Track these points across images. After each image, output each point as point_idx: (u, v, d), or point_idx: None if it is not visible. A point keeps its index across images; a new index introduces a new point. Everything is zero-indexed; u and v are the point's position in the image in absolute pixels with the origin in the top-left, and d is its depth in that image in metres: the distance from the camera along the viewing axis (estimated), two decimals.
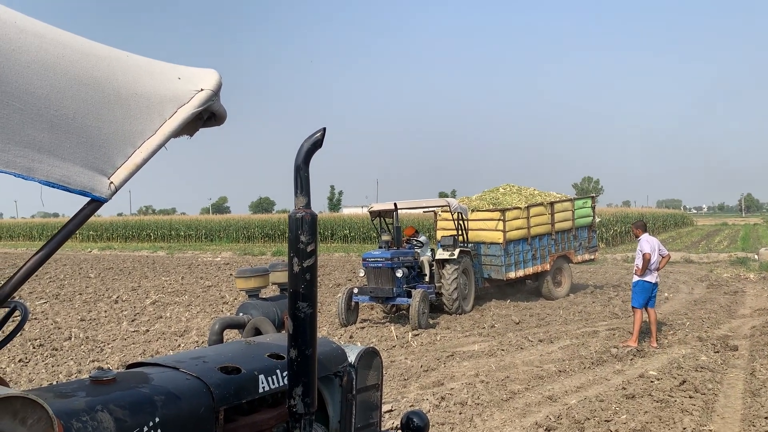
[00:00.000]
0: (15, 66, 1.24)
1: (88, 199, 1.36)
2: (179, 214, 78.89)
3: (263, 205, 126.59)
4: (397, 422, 5.68)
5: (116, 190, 1.38)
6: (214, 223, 48.06)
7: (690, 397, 6.31)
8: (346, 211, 67.39)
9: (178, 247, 39.23)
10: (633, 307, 9.16)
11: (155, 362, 2.48)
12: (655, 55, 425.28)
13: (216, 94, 1.61)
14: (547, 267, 14.20)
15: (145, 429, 1.98)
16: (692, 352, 8.34)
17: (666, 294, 14.39)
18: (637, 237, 9.34)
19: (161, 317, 12.07)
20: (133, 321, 11.66)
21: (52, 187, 1.27)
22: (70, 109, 1.32)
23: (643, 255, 8.93)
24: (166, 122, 1.50)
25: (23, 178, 1.23)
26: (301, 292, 2.29)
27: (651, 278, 8.99)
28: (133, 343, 9.55)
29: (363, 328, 10.91)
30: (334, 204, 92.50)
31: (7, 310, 2.25)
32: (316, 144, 2.37)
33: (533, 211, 14.04)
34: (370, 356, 3.07)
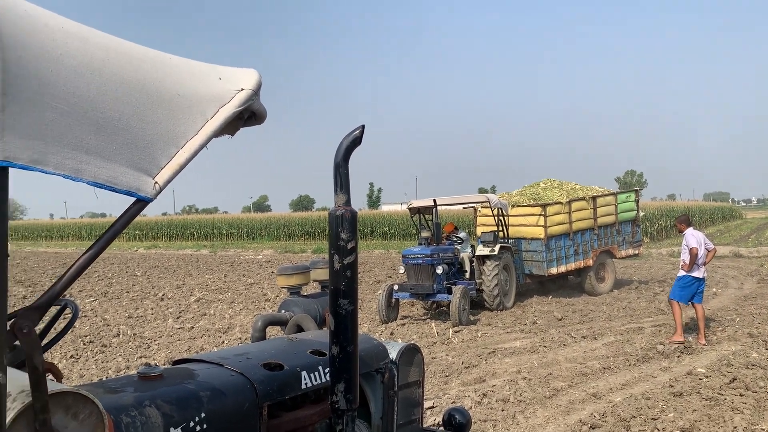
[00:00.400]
0: (62, 70, 1.27)
1: (134, 199, 1.39)
2: (221, 213, 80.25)
3: (303, 203, 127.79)
4: (439, 419, 5.68)
5: (161, 189, 1.40)
6: (255, 222, 48.70)
7: (741, 395, 6.12)
8: (385, 208, 67.48)
9: (221, 246, 39.92)
10: (669, 299, 8.98)
11: (200, 359, 2.53)
12: (703, 41, 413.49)
13: (256, 93, 1.63)
14: (590, 262, 13.96)
15: (191, 424, 2.02)
16: (742, 349, 8.09)
17: (714, 289, 13.99)
18: (681, 232, 9.10)
19: (205, 314, 12.31)
20: (178, 318, 11.91)
21: (99, 187, 1.30)
22: (116, 111, 1.35)
23: (690, 250, 8.70)
24: (208, 122, 1.52)
25: (72, 179, 1.26)
26: (342, 289, 2.31)
27: (698, 273, 8.76)
28: (179, 340, 9.76)
29: (403, 324, 10.92)
30: (374, 201, 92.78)
31: (58, 308, 2.32)
32: (355, 141, 2.38)
33: (575, 205, 13.82)
34: (412, 353, 3.07)
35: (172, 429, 1.95)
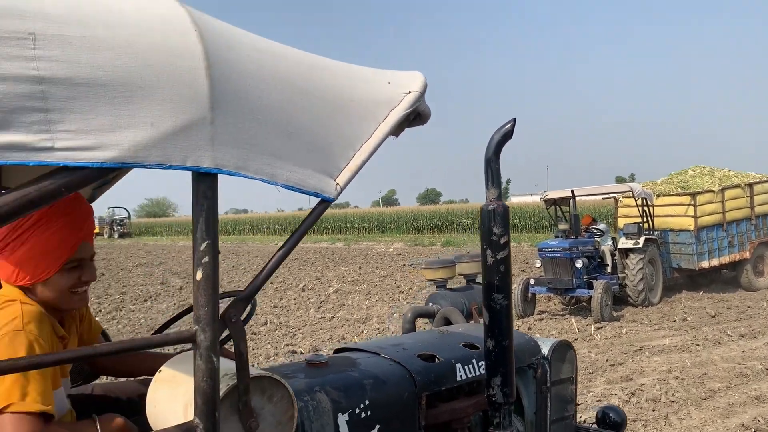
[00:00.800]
0: (258, 83, 1.40)
1: (318, 199, 1.49)
2: (353, 207, 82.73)
3: (430, 197, 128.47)
4: (586, 416, 5.53)
5: (341, 190, 1.50)
6: (385, 215, 49.69)
7: None
8: (514, 200, 66.20)
9: (354, 239, 41.14)
10: None
11: (359, 348, 2.65)
12: None
13: (422, 95, 1.68)
14: (747, 255, 12.87)
15: (357, 411, 2.12)
16: None
17: None
18: None
19: (344, 305, 12.77)
20: (319, 308, 12.46)
21: (291, 189, 1.41)
22: (301, 119, 1.47)
23: None
24: (380, 125, 1.60)
25: (268, 183, 1.38)
26: (495, 284, 2.32)
27: None
28: (321, 329, 10.22)
29: (541, 320, 10.68)
30: (502, 193, 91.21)
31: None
32: (506, 135, 2.37)
33: (729, 194, 12.78)
34: (564, 349, 3.02)
35: (340, 415, 2.07)
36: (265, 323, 11.02)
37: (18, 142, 1.07)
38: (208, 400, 1.29)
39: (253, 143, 1.35)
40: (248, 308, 1.70)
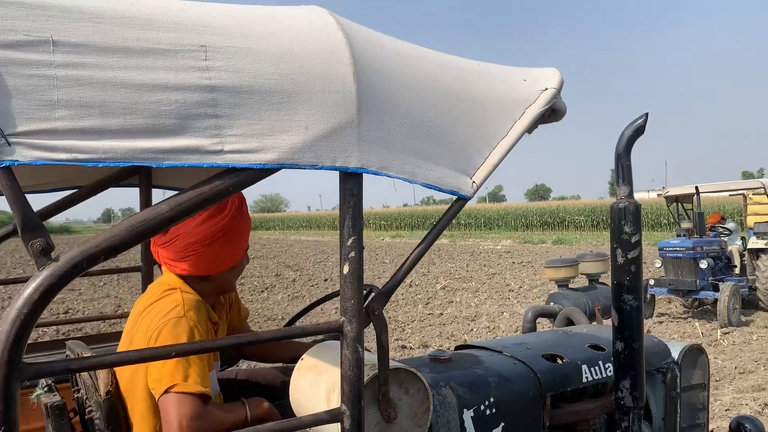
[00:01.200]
0: (399, 86, 1.45)
1: (455, 197, 1.52)
2: None
3: (539, 193, 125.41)
4: (713, 425, 5.22)
5: (477, 188, 1.52)
6: (492, 212, 49.06)
7: None
8: None
9: (459, 235, 40.95)
10: None
11: (482, 345, 2.66)
12: None
13: (559, 92, 1.67)
14: None
15: (482, 407, 2.14)
16: None
17: None
18: None
19: (452, 302, 12.77)
20: (427, 304, 12.53)
21: (429, 188, 1.45)
22: (440, 119, 1.50)
23: None
24: (516, 123, 1.61)
25: (409, 182, 1.43)
26: (626, 284, 2.26)
27: None
28: (430, 325, 10.28)
29: (661, 322, 10.16)
30: (614, 189, 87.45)
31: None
32: (638, 131, 2.30)
33: None
34: (696, 354, 2.89)
35: (465, 410, 2.09)
36: None
37: (193, 145, 1.18)
38: (354, 388, 1.36)
39: (395, 144, 1.40)
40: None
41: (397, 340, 9.32)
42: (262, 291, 14.49)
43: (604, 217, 39.07)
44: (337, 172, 1.34)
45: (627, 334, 2.28)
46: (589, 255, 3.67)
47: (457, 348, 2.79)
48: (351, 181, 1.35)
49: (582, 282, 3.82)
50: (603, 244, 26.44)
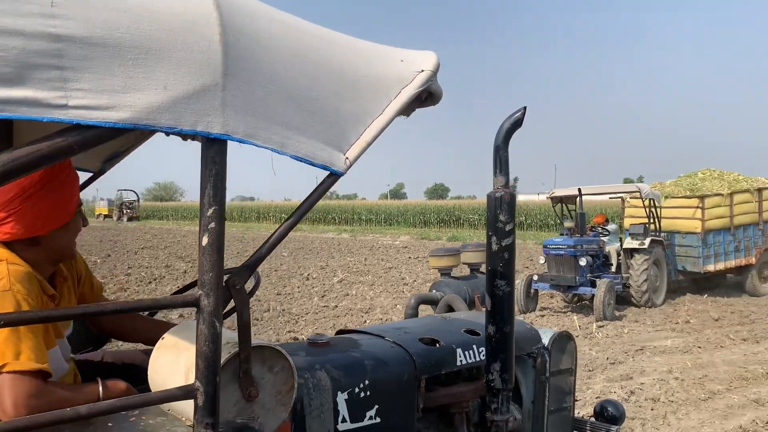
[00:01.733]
0: (271, 53, 1.40)
1: (327, 173, 1.50)
2: (360, 200, 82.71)
3: (438, 192, 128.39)
4: (584, 412, 5.54)
5: (350, 165, 1.51)
6: (392, 209, 49.69)
7: None
8: (521, 198, 66.02)
9: (360, 230, 41.16)
10: None
11: (362, 330, 2.67)
12: None
13: (435, 74, 1.69)
14: (753, 260, 12.83)
15: (357, 390, 2.14)
16: None
17: None
18: None
19: (348, 294, 12.80)
20: (323, 297, 12.50)
21: (300, 161, 1.42)
22: (314, 91, 1.47)
23: None
24: (391, 102, 1.61)
25: (277, 153, 1.39)
26: (499, 270, 2.33)
27: None
28: (324, 317, 10.25)
29: (543, 316, 10.69)
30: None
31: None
32: (516, 123, 2.38)
33: (737, 198, 12.72)
34: (564, 340, 3.02)
35: (339, 393, 2.08)
36: (268, 310, 11.06)
37: (32, 97, 1.08)
38: (209, 364, 1.31)
39: (264, 112, 1.36)
40: (252, 281, 1.71)
41: (289, 332, 9.22)
42: (150, 282, 13.88)
43: None
44: (199, 138, 1.28)
45: (499, 318, 2.35)
46: (470, 245, 3.78)
47: (338, 333, 2.78)
48: (214, 148, 1.29)
49: (464, 271, 3.92)
50: None
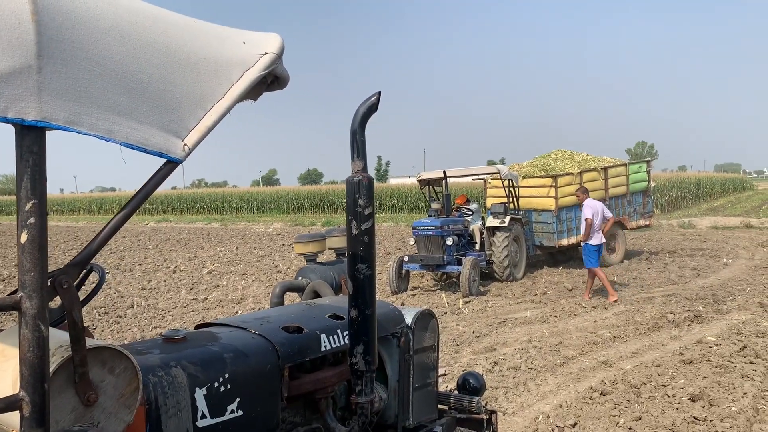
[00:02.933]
0: (94, 33, 1.30)
1: (164, 160, 1.42)
2: (231, 187, 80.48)
3: (312, 177, 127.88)
4: (452, 386, 5.77)
5: (189, 151, 1.43)
6: (265, 195, 48.86)
7: (751, 363, 6.17)
8: (393, 182, 67.44)
9: (231, 219, 40.11)
10: (589, 269, 10.02)
11: (222, 322, 2.59)
12: (712, 8, 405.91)
13: (279, 57, 1.65)
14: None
15: (216, 384, 2.07)
16: (753, 318, 8.12)
17: (725, 260, 13.98)
18: (580, 202, 10.22)
19: (218, 286, 12.44)
20: (191, 290, 12.05)
21: (131, 148, 1.33)
22: (145, 74, 1.38)
23: (585, 221, 9.78)
24: (233, 85, 1.54)
25: (105, 140, 1.29)
26: (360, 254, 2.35)
27: (596, 240, 9.85)
28: (193, 311, 9.89)
29: (414, 295, 11.01)
30: (382, 174, 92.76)
31: (84, 271, 2.37)
32: (371, 108, 2.39)
33: (586, 176, 13.78)
34: (427, 318, 3.11)
35: (197, 389, 2.01)
36: (132, 306, 10.50)
37: None
38: (35, 371, 1.20)
39: (88, 97, 1.26)
40: (96, 276, 1.59)
41: (156, 328, 8.82)
42: None
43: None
44: (12, 125, 1.16)
45: (360, 301, 2.37)
46: (336, 230, 3.78)
47: (198, 327, 2.68)
48: (30, 136, 1.18)
49: (331, 256, 3.92)
50: None
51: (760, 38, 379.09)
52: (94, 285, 2.18)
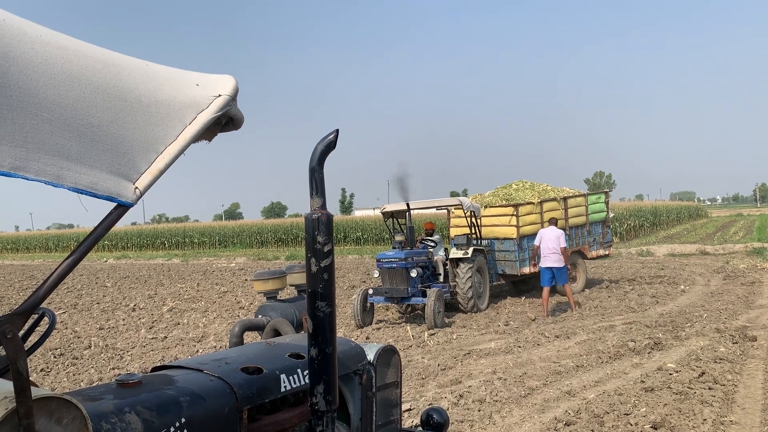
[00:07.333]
0: (42, 78, 1.29)
1: (115, 204, 1.40)
2: (192, 222, 79.36)
3: (275, 210, 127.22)
4: (417, 420, 5.72)
5: (141, 195, 1.42)
6: (227, 230, 48.35)
7: (710, 389, 6.29)
8: (358, 213, 67.56)
9: (193, 254, 39.46)
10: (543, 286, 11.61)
11: (179, 365, 2.53)
12: (667, 41, 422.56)
13: (233, 99, 1.65)
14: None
15: (172, 429, 2.02)
16: (710, 344, 8.29)
17: (682, 286, 14.31)
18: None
19: (179, 324, 12.18)
20: (151, 328, 11.76)
21: (80, 193, 1.31)
22: (95, 118, 1.37)
23: (534, 248, 11.68)
24: (186, 128, 1.54)
25: (53, 185, 1.27)
26: (319, 292, 2.33)
27: (543, 263, 11.49)
28: (152, 350, 9.65)
29: (379, 329, 10.95)
30: (346, 207, 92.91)
31: (35, 317, 2.30)
32: (329, 145, 2.41)
33: (546, 206, 14.03)
34: (389, 354, 3.09)
35: None
36: (89, 346, 10.19)
37: None
38: None
39: (35, 142, 1.24)
40: (47, 321, 1.54)
41: (113, 369, 8.57)
42: None
43: (334, 233, 41.06)
44: None
45: (321, 339, 2.34)
46: (296, 266, 3.76)
47: (154, 369, 2.61)
48: None
49: (291, 293, 3.89)
50: None
51: (712, 72, 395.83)
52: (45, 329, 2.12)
